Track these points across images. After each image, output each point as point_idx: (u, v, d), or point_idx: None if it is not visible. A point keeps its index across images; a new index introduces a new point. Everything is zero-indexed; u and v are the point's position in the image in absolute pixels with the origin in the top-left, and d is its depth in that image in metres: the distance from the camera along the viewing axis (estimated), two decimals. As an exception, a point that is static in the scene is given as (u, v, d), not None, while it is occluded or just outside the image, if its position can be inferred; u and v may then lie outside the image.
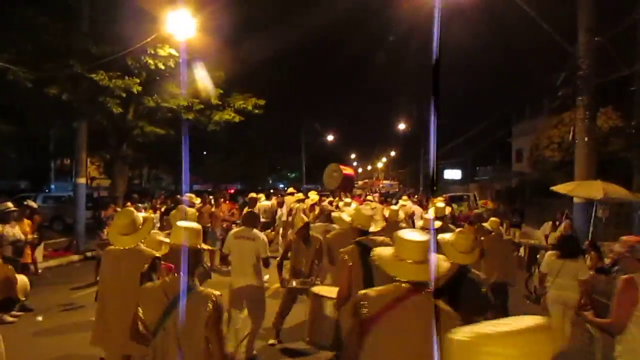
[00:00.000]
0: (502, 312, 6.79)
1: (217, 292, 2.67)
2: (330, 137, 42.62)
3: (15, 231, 6.80)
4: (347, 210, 6.30)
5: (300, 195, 13.75)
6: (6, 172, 24.60)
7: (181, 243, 2.68)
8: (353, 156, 49.67)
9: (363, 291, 2.48)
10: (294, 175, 47.60)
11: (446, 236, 3.70)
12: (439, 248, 3.64)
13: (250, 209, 6.25)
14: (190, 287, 2.60)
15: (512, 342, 1.09)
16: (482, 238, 7.35)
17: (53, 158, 28.33)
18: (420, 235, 2.55)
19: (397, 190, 40.43)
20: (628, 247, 3.10)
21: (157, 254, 3.65)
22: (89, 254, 11.21)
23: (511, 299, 6.99)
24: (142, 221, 3.75)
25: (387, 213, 8.75)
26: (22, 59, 11.03)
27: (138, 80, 13.04)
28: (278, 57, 25.37)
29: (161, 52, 13.16)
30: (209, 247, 3.21)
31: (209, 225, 10.85)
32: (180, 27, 12.59)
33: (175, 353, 2.52)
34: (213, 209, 11.30)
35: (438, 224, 7.34)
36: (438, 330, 2.22)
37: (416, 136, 39.12)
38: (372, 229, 4.34)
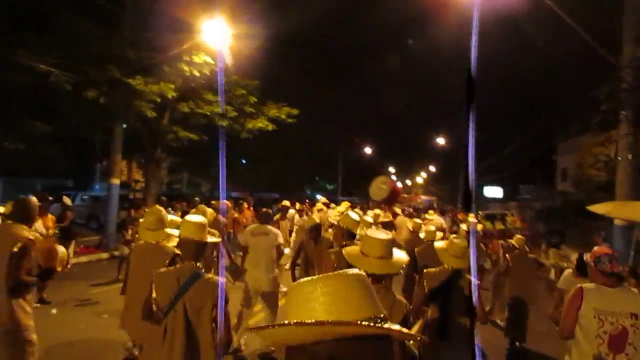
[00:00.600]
0: (519, 329, 6.44)
1: (222, 279, 2.89)
2: (368, 150, 42.21)
3: (37, 225, 7.02)
4: (333, 214, 7.27)
5: (320, 205, 13.70)
6: (53, 171, 25.82)
7: (188, 235, 3.03)
8: (392, 170, 48.86)
9: None
10: (332, 187, 47.53)
11: (440, 244, 4.07)
12: (436, 255, 4.05)
13: (265, 210, 6.49)
14: (198, 274, 2.89)
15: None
16: (507, 255, 7.15)
17: (99, 160, 29.54)
18: (383, 235, 2.77)
19: (435, 206, 39.49)
20: (594, 257, 3.19)
21: (178, 251, 3.82)
22: (115, 252, 11.47)
23: (534, 318, 6.63)
24: (168, 220, 4.24)
25: (410, 225, 8.71)
26: (63, 63, 11.51)
27: (173, 86, 13.37)
28: (316, 68, 25.58)
29: (196, 60, 13.46)
30: (215, 240, 3.42)
31: (232, 230, 10.88)
32: (216, 36, 12.81)
33: (183, 332, 2.79)
34: (236, 215, 11.32)
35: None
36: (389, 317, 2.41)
37: (456, 151, 38.20)
38: (358, 231, 4.59)
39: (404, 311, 2.69)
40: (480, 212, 21.98)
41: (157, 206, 4.93)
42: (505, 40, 21.84)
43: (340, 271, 1.06)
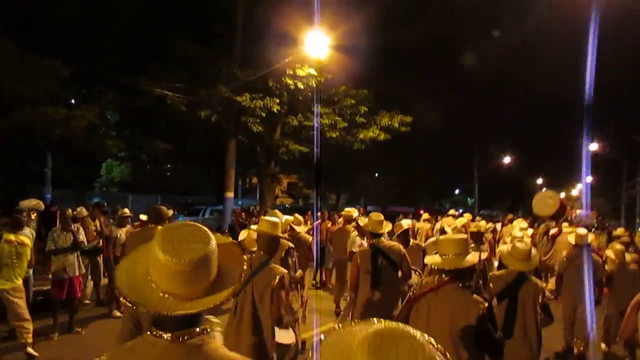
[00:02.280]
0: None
1: (285, 270, 3.50)
2: (506, 160, 38.47)
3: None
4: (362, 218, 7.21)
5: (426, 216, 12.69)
6: (204, 188, 28.50)
7: (262, 230, 3.65)
8: (539, 182, 43.78)
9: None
10: (472, 200, 44.50)
11: (504, 247, 4.50)
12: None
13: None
14: (265, 263, 3.48)
15: None
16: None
17: (240, 176, 31.93)
18: (457, 235, 3.28)
19: (594, 221, 34.22)
20: None
21: (291, 245, 4.69)
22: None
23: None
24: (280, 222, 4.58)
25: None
26: (178, 86, 12.55)
27: (277, 100, 13.69)
28: (435, 76, 24.17)
29: (300, 72, 13.59)
30: (283, 236, 4.05)
31: (325, 241, 10.50)
32: (319, 48, 12.75)
33: (249, 309, 3.38)
34: (329, 226, 10.92)
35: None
36: (461, 314, 2.79)
37: (616, 160, 32.76)
38: (382, 231, 5.01)
39: (478, 311, 2.76)
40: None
41: (274, 210, 5.80)
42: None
43: None
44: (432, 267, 3.44)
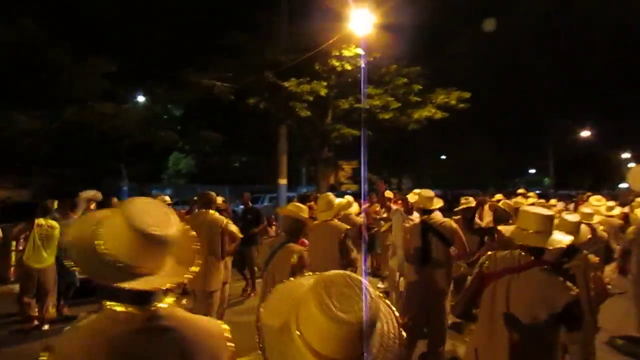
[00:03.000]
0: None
1: (304, 248, 3.72)
2: (585, 134, 35.36)
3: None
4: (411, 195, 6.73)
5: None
6: (250, 177, 29.03)
7: (285, 211, 3.93)
8: (626, 156, 39.86)
9: (490, 252, 2.90)
10: (549, 180, 41.68)
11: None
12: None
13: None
14: (284, 244, 3.66)
15: None
16: None
17: (302, 163, 32.14)
18: (542, 210, 2.79)
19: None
20: None
21: (347, 227, 4.77)
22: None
23: None
24: (335, 203, 5.05)
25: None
26: (225, 76, 12.66)
27: (325, 84, 13.40)
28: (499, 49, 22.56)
29: (347, 53, 13.19)
30: (304, 216, 3.94)
31: (373, 225, 10.13)
32: (364, 26, 12.26)
33: (271, 286, 3.29)
34: (377, 209, 10.51)
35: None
36: (546, 301, 2.50)
37: None
38: (433, 207, 4.90)
39: (568, 298, 2.48)
40: None
41: (328, 193, 5.65)
42: None
43: None
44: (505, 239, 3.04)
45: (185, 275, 1.36)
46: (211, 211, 5.25)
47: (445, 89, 15.91)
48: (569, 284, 2.58)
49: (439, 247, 4.60)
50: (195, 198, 9.45)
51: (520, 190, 14.79)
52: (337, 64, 13.26)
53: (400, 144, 19.88)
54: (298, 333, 0.96)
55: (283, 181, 14.83)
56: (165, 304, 1.33)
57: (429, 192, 5.10)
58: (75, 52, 10.58)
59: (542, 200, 9.75)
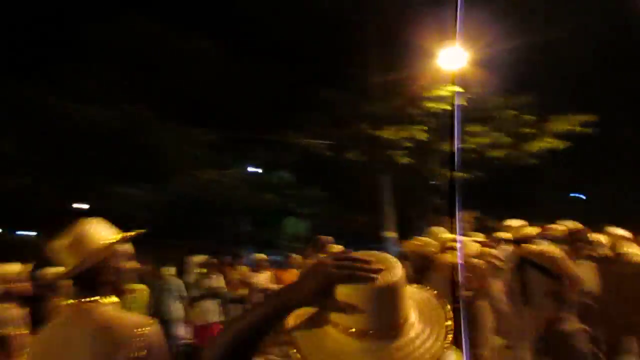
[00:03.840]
0: None
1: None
2: None
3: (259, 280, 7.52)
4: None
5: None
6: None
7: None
8: None
9: None
10: None
11: None
12: None
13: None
14: None
15: None
16: None
17: (421, 214, 30.82)
18: None
19: None
20: None
21: None
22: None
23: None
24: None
25: None
26: (318, 132, 12.79)
27: (425, 127, 12.85)
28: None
29: (443, 93, 12.58)
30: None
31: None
32: (457, 62, 11.64)
33: None
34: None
35: None
36: None
37: None
38: None
39: None
40: None
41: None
42: None
43: None
44: None
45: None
46: None
47: (564, 114, 14.23)
48: None
49: None
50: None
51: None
52: (432, 105, 12.66)
53: (521, 183, 18.04)
54: (329, 318, 0.95)
55: (390, 234, 14.12)
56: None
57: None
58: (178, 125, 11.58)
59: None
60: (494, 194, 16.95)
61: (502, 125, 14.22)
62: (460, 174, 14.30)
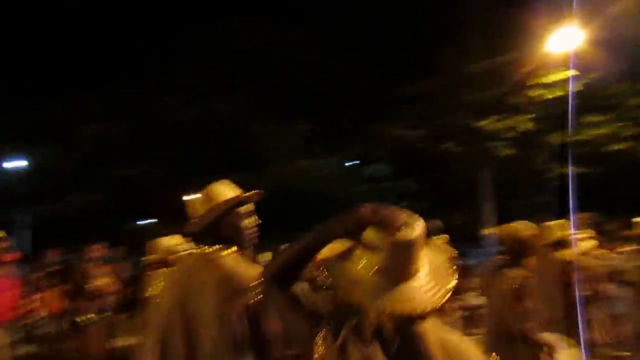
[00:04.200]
0: None
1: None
2: None
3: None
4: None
5: None
6: None
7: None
8: None
9: None
10: None
11: None
12: None
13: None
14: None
15: None
16: None
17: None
18: None
19: None
20: None
21: None
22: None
23: None
24: None
25: None
26: (415, 123, 12.46)
27: (528, 116, 11.88)
28: None
29: (552, 78, 11.52)
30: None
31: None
32: (571, 43, 10.51)
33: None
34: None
35: None
36: None
37: None
38: None
39: None
40: None
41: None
42: None
43: None
44: None
45: None
46: None
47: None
48: None
49: None
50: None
51: None
52: (541, 92, 11.62)
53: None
54: (355, 255, 1.13)
55: (487, 231, 13.24)
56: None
57: None
58: (280, 117, 12.03)
59: None
60: (614, 193, 15.10)
61: (624, 115, 12.65)
62: (575, 169, 13.04)
